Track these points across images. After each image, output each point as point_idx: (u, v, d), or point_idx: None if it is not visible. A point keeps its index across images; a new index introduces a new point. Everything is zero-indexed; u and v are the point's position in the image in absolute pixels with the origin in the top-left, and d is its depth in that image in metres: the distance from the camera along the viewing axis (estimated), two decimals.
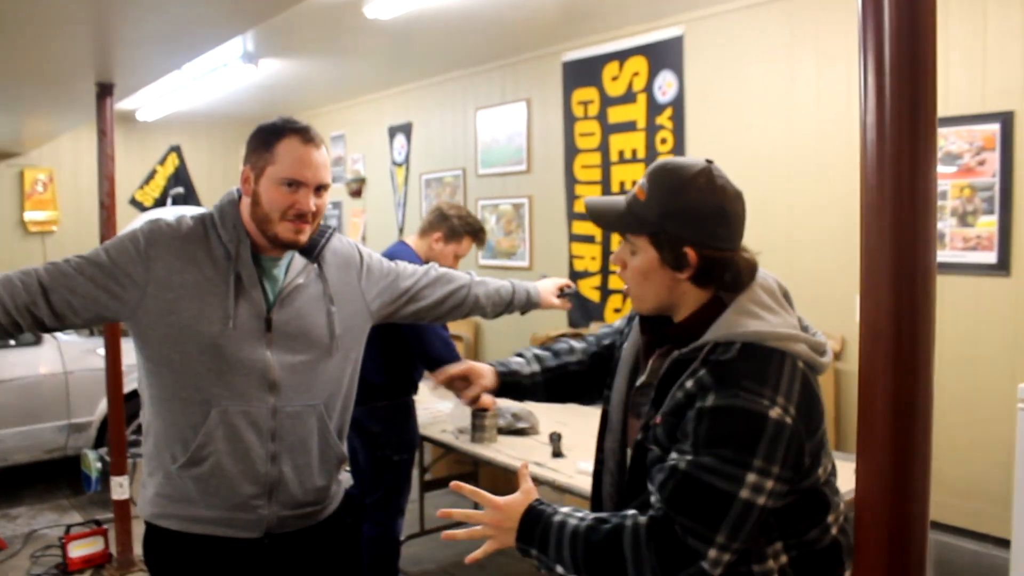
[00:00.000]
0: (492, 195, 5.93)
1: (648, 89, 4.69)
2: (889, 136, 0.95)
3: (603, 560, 1.30)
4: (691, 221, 1.37)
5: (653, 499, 1.31)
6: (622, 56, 4.83)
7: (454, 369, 1.85)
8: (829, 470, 1.39)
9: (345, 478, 2.04)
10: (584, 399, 1.85)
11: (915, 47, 0.93)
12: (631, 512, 1.33)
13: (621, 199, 1.47)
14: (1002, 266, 3.25)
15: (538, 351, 1.84)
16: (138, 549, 4.07)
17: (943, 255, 3.39)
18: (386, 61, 5.89)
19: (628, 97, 4.81)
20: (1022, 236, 3.20)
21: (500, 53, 5.60)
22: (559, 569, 1.34)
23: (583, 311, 5.23)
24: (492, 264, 5.98)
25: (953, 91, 3.37)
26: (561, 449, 3.15)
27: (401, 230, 6.94)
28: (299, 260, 1.89)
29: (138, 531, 4.07)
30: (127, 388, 4.24)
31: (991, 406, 3.31)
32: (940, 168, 3.40)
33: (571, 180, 5.26)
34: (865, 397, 1.00)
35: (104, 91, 3.90)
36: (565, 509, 1.38)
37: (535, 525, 1.37)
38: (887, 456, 0.97)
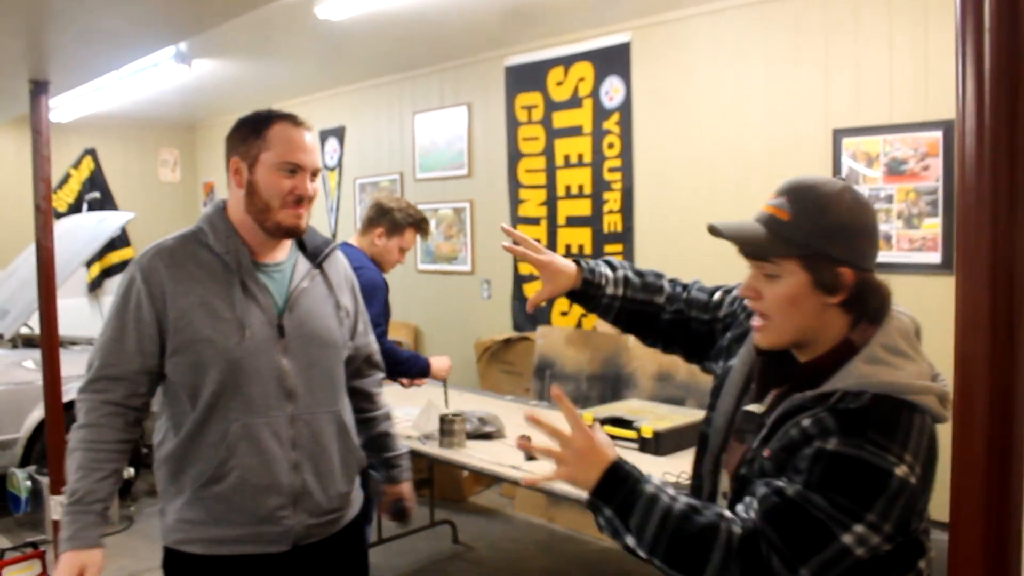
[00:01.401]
0: (432, 199, 5.89)
1: (594, 94, 4.75)
2: (988, 140, 0.99)
3: (688, 553, 1.24)
4: (845, 239, 1.28)
5: (741, 508, 1.27)
6: (567, 61, 4.87)
7: (539, 256, 1.66)
8: (927, 516, 1.35)
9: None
10: (645, 341, 1.73)
11: (1015, 49, 0.97)
12: (728, 515, 1.27)
13: (748, 222, 1.34)
14: (946, 266, 3.42)
15: (630, 273, 1.68)
16: None
17: (891, 256, 3.54)
18: (321, 63, 5.78)
19: (574, 102, 4.86)
20: None
21: (440, 57, 5.58)
22: (629, 540, 1.26)
23: (528, 315, 5.25)
24: (432, 268, 5.94)
25: (898, 100, 3.53)
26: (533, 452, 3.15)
27: (334, 235, 6.83)
28: (303, 265, 1.88)
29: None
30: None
31: None
32: (887, 173, 3.56)
33: (515, 184, 5.28)
34: (963, 393, 1.03)
35: (39, 89, 3.70)
36: (656, 479, 1.30)
37: (620, 486, 1.27)
38: (983, 453, 1.01)
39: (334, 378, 1.87)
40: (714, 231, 1.35)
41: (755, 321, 1.36)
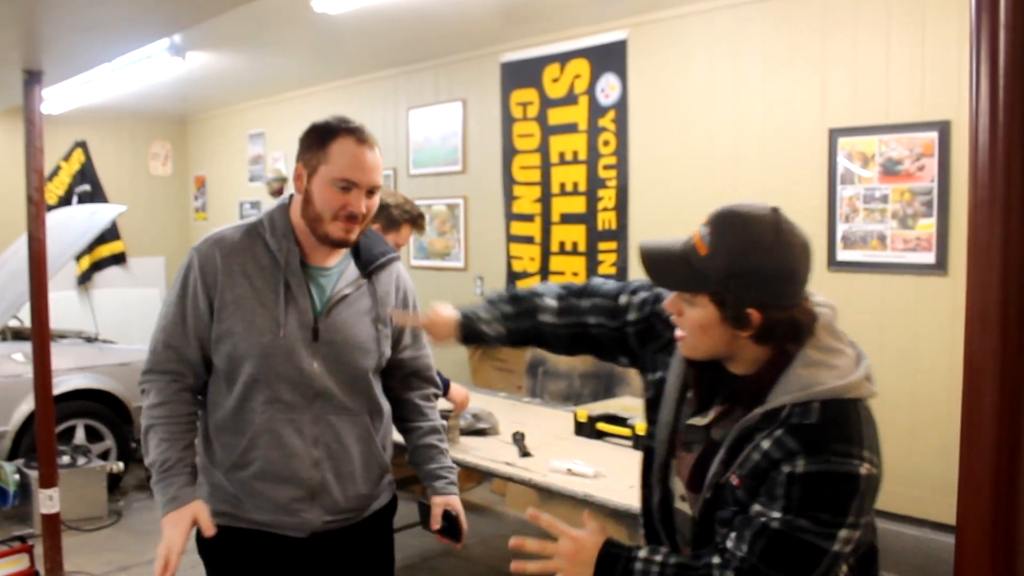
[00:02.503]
0: (425, 195, 5.87)
1: (590, 91, 4.74)
2: (1003, 136, 0.98)
3: None
4: (757, 283, 1.29)
5: (731, 546, 1.31)
6: (563, 58, 4.87)
7: (418, 319, 1.79)
8: None
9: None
10: (550, 351, 1.78)
11: None
12: (715, 561, 1.32)
13: (677, 243, 1.39)
14: (940, 266, 3.43)
15: (505, 305, 1.71)
16: (68, 566, 3.85)
17: (885, 255, 3.55)
18: (316, 57, 5.77)
19: (569, 99, 4.86)
20: (959, 238, 3.38)
21: (435, 52, 5.56)
22: None
23: None
24: (424, 264, 5.93)
25: (894, 100, 3.53)
26: (528, 449, 3.15)
27: None
28: (351, 273, 1.91)
29: (68, 545, 3.87)
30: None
31: (930, 398, 3.49)
32: (882, 173, 3.56)
33: (509, 181, 5.27)
34: (971, 390, 1.03)
35: (32, 79, 3.67)
36: (642, 552, 1.36)
37: (613, 566, 1.35)
38: (993, 444, 1.01)
39: (363, 385, 1.91)
40: (641, 250, 1.42)
41: (677, 332, 1.41)
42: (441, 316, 1.73)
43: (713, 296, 1.32)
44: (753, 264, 1.29)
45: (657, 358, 1.56)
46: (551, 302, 1.70)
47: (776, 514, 1.26)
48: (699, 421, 1.42)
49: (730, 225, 1.32)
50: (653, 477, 1.52)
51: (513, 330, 1.70)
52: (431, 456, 2.10)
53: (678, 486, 1.48)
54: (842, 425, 1.28)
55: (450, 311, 1.72)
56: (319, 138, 1.80)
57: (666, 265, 1.38)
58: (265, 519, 1.85)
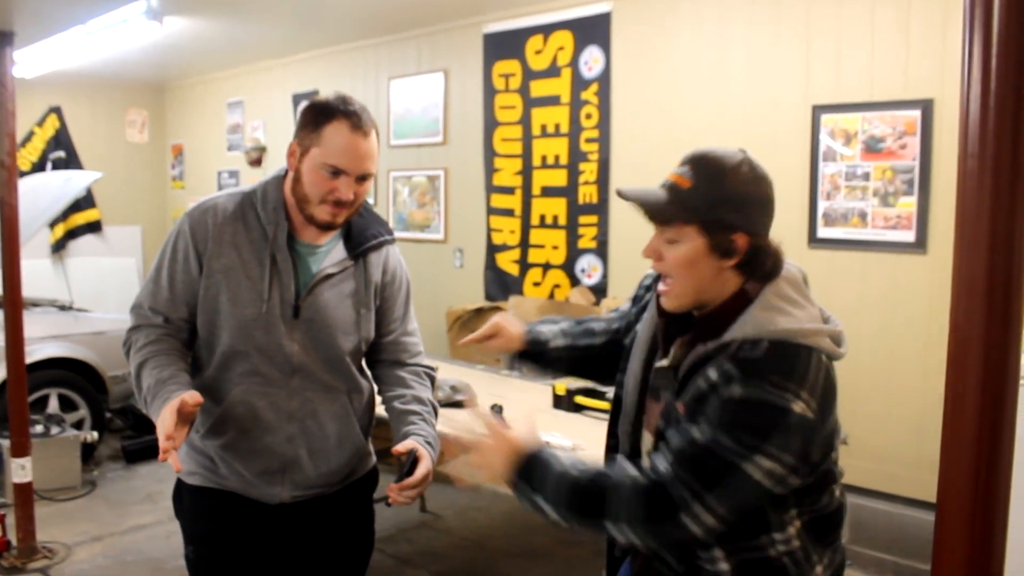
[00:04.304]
0: (406, 167, 5.82)
1: (573, 64, 4.70)
2: (994, 106, 0.97)
3: (585, 498, 1.36)
4: (740, 208, 1.37)
5: (656, 460, 1.36)
6: (547, 30, 4.82)
7: (484, 329, 1.79)
8: (836, 446, 1.45)
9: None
10: (601, 379, 1.84)
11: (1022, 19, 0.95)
12: (631, 472, 1.37)
13: (655, 188, 1.43)
14: (919, 245, 3.44)
15: (566, 325, 1.81)
16: (41, 535, 3.82)
17: (865, 233, 3.56)
18: (296, 25, 5.67)
19: (552, 71, 4.82)
20: (939, 217, 3.39)
21: (417, 22, 5.49)
22: (545, 506, 1.39)
23: (500, 284, 5.23)
24: (404, 236, 5.88)
25: (878, 78, 3.53)
26: (506, 421, 3.14)
27: None
28: (338, 253, 1.87)
29: (40, 514, 3.83)
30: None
31: (906, 376, 3.51)
32: (864, 151, 3.56)
33: (490, 153, 5.23)
34: (956, 361, 1.03)
35: (3, 40, 3.58)
36: (560, 461, 1.42)
37: (531, 471, 1.41)
38: (976, 414, 1.01)
39: (342, 365, 1.87)
40: (621, 195, 1.44)
41: (661, 286, 1.46)
42: (506, 325, 1.78)
43: (702, 225, 1.37)
44: (736, 190, 1.38)
45: (638, 317, 1.65)
46: (596, 325, 1.81)
47: (704, 429, 1.31)
48: (664, 362, 1.47)
49: (708, 160, 1.40)
50: (621, 427, 1.57)
51: (572, 346, 1.77)
52: (410, 420, 1.88)
53: (646, 440, 1.51)
54: (785, 362, 1.31)
55: (518, 324, 1.79)
56: (314, 118, 1.75)
57: (654, 202, 1.41)
58: (236, 486, 1.85)
